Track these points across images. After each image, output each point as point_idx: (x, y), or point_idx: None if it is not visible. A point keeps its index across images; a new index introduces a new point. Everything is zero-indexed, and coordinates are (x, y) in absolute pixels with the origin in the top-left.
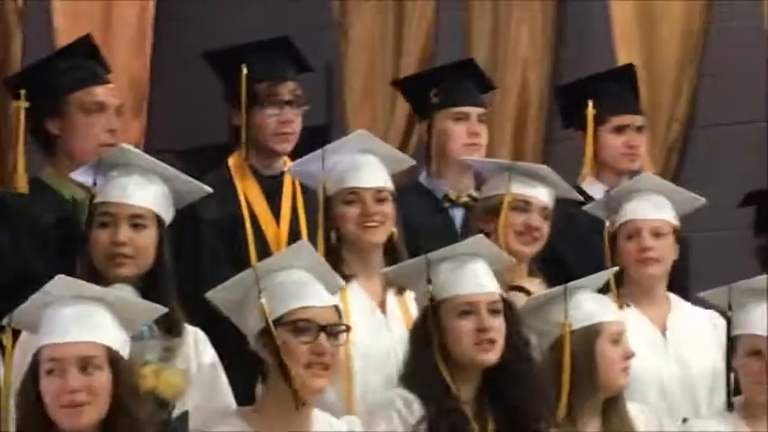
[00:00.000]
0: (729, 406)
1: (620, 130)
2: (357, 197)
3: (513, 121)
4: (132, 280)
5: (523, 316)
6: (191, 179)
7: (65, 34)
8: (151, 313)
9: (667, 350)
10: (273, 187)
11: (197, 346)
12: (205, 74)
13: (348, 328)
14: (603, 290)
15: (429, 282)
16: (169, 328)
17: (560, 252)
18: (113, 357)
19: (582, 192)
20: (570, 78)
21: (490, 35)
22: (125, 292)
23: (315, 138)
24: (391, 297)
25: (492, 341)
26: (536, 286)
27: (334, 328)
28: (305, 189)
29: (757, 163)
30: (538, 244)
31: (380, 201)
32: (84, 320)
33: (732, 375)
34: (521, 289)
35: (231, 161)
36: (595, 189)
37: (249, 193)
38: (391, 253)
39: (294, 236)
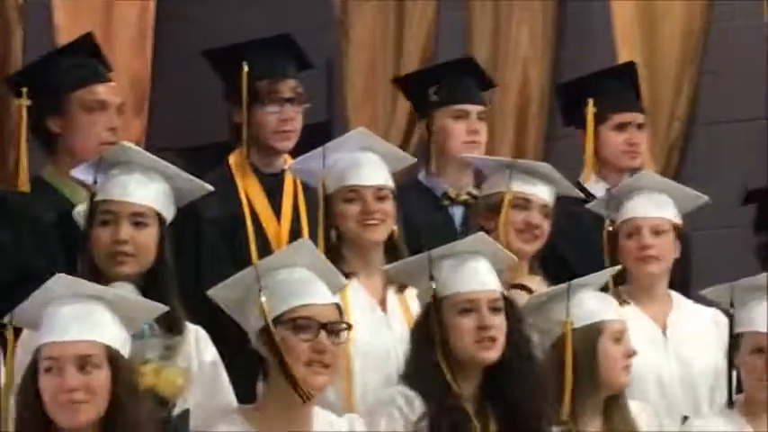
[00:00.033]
0: (730, 404)
1: (621, 127)
2: (357, 195)
3: (514, 119)
4: (133, 278)
5: (525, 314)
6: (191, 177)
7: (65, 31)
8: (152, 312)
9: (667, 348)
10: (274, 185)
11: (198, 344)
12: (206, 73)
13: (349, 327)
14: (603, 288)
15: (431, 279)
16: (170, 326)
17: (561, 250)
18: (113, 356)
19: (583, 189)
20: (571, 77)
21: (491, 35)
22: (125, 291)
23: (316, 135)
24: (392, 295)
25: (493, 339)
26: (537, 284)
27: (334, 326)
28: (306, 187)
29: (758, 160)
30: (538, 242)
31: (381, 199)
32: (83, 319)
33: (734, 373)
34: (521, 287)
35: (232, 159)
36: (596, 187)
37: (250, 191)
38: (392, 251)
39: (295, 234)
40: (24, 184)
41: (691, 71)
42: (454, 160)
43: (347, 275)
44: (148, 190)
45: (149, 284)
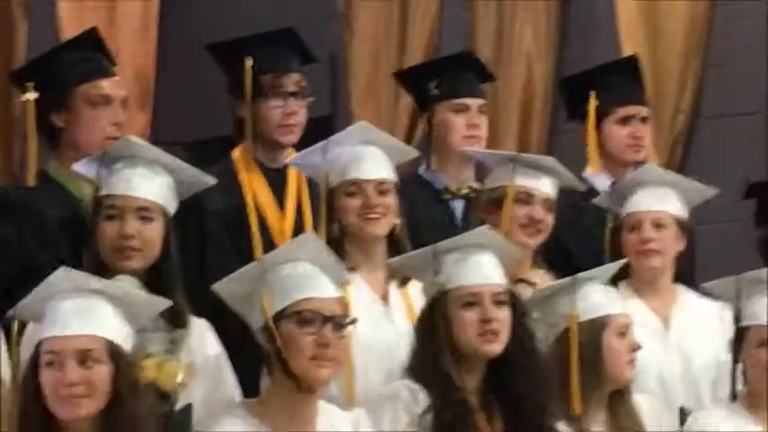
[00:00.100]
0: (734, 397)
1: (625, 121)
2: (359, 189)
3: (518, 114)
4: (138, 272)
5: (530, 308)
6: (195, 170)
7: (69, 26)
8: (155, 306)
9: (669, 342)
10: (278, 179)
11: (203, 338)
12: (210, 63)
13: (353, 321)
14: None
15: (436, 272)
16: (174, 319)
17: (565, 243)
18: (114, 350)
19: (587, 183)
20: (575, 71)
21: (494, 33)
22: (127, 284)
23: (320, 129)
24: (394, 289)
25: (495, 332)
26: (540, 278)
27: (339, 320)
28: (310, 181)
29: (762, 154)
30: (541, 236)
31: (382, 192)
32: (84, 313)
33: (737, 367)
34: (525, 281)
35: (236, 153)
36: (601, 180)
37: (254, 185)
38: (395, 245)
39: (299, 228)
40: (32, 179)
41: (695, 64)
42: (455, 154)
43: (349, 270)
44: (153, 184)
45: (154, 278)
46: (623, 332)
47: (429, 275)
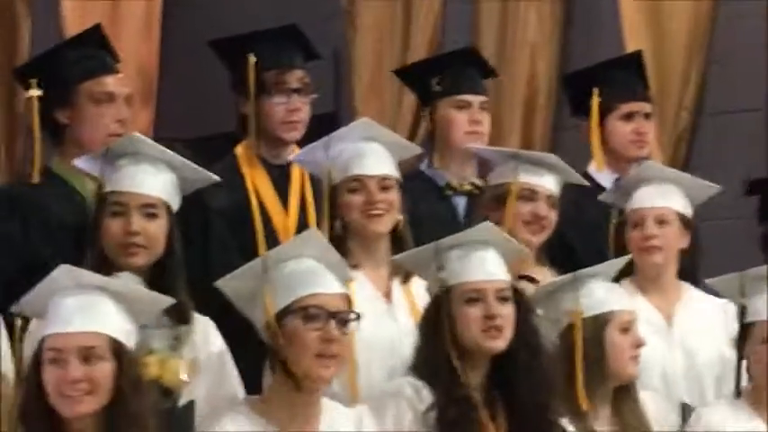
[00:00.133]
0: (738, 393)
1: (628, 117)
2: (361, 185)
3: (522, 111)
4: (142, 268)
5: (533, 303)
6: (198, 167)
7: (73, 22)
8: (157, 303)
9: (672, 338)
10: (282, 176)
11: (206, 335)
12: (213, 60)
13: (358, 317)
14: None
15: (439, 269)
16: (178, 316)
17: (569, 239)
18: (116, 348)
19: (591, 179)
20: (579, 68)
21: (498, 29)
22: (129, 281)
23: (323, 126)
24: (397, 286)
25: (499, 328)
26: (543, 275)
27: (343, 316)
28: (313, 178)
29: (763, 151)
30: (545, 233)
31: (385, 189)
32: (87, 310)
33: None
34: (528, 278)
35: (239, 150)
36: (604, 176)
37: (258, 181)
38: (398, 242)
39: (302, 225)
40: (36, 176)
41: (698, 62)
42: (457, 151)
43: (352, 267)
44: (157, 181)
45: (157, 275)
46: (627, 328)
47: (432, 272)
